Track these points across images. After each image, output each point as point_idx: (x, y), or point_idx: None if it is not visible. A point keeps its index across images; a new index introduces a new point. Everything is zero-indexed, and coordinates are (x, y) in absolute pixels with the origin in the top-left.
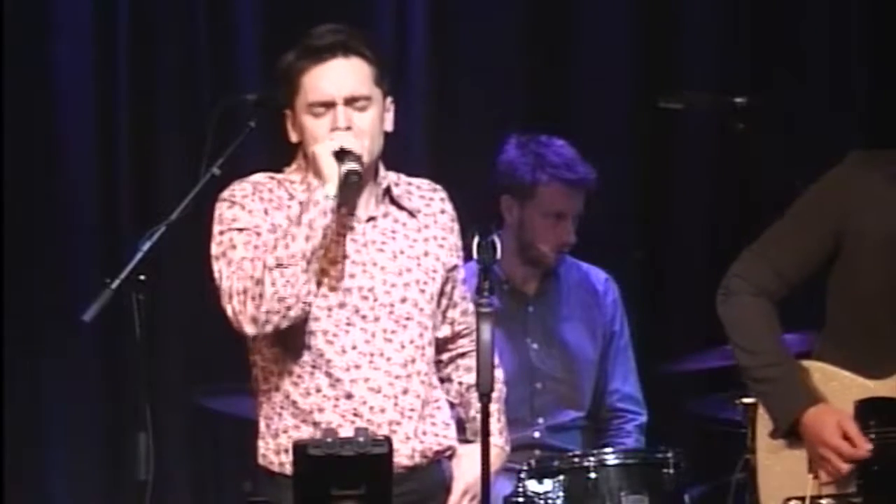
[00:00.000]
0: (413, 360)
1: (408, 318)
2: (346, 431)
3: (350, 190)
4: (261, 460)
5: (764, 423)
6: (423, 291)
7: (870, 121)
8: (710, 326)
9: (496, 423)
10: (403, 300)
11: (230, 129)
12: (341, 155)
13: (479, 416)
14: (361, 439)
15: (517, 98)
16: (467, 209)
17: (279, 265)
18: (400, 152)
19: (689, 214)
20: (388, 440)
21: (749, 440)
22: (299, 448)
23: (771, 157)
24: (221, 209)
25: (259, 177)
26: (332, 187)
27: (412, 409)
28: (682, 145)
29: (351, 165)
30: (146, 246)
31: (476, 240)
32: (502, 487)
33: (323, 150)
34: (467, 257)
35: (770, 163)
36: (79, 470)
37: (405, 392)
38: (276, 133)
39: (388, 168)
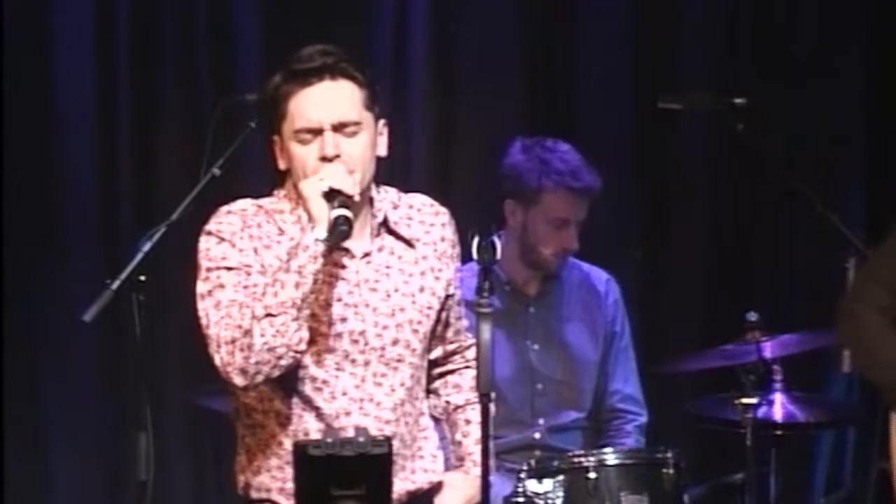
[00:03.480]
0: (402, 403)
1: (399, 361)
2: None
3: (340, 236)
4: (240, 490)
5: None
6: (416, 332)
7: (869, 119)
8: (709, 326)
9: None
10: (395, 342)
11: (230, 129)
12: (331, 195)
13: (464, 441)
14: (361, 439)
15: (517, 99)
16: (470, 212)
17: (268, 314)
18: (402, 156)
19: (689, 214)
20: (388, 440)
21: (887, 449)
22: (299, 448)
23: (771, 157)
24: (209, 244)
25: (246, 205)
26: (321, 231)
27: (397, 454)
28: (682, 145)
29: (340, 211)
30: (146, 246)
31: (476, 240)
32: (502, 487)
33: (311, 192)
34: (468, 257)
35: (770, 163)
36: (79, 470)
37: (394, 436)
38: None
39: (391, 176)
